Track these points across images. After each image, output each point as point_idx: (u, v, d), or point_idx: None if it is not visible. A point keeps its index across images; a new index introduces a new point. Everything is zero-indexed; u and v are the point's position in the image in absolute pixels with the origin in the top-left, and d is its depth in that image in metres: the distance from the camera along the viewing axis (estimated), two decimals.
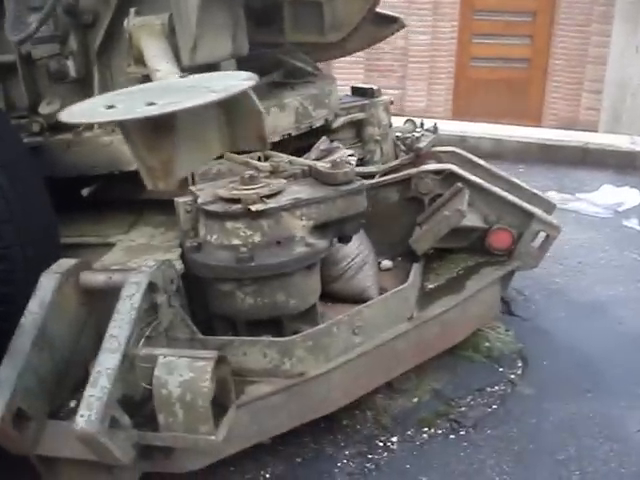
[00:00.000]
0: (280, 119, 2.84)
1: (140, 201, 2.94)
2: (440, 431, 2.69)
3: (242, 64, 2.98)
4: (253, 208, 2.31)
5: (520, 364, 3.09)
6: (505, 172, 3.45)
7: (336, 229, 2.52)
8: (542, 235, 3.03)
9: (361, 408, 2.75)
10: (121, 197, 2.89)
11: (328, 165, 2.51)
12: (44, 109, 2.67)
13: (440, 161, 3.16)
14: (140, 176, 2.66)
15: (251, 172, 2.46)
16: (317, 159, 2.72)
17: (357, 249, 2.86)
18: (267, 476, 2.46)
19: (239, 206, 2.33)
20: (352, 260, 2.83)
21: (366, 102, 3.43)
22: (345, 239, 2.59)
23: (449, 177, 2.96)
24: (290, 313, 2.46)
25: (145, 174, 1.72)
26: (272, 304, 2.41)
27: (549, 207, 3.25)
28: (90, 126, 2.66)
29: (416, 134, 3.26)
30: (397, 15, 3.33)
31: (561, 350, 3.19)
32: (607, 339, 3.28)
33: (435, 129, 3.43)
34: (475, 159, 3.22)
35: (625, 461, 2.53)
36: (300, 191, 2.45)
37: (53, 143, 2.68)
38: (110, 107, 1.49)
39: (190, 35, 2.35)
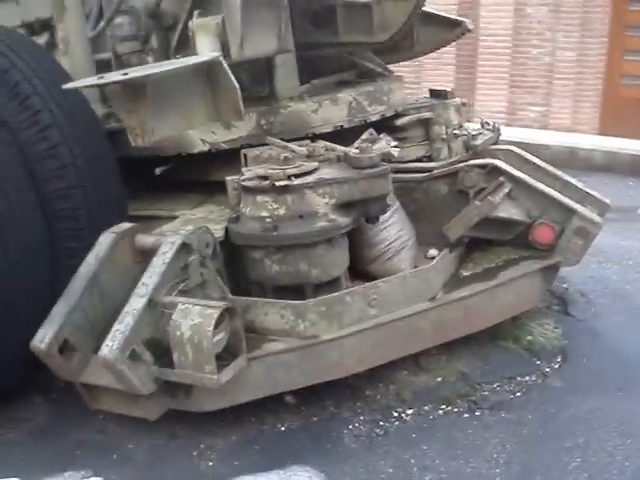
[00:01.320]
0: (332, 112, 3.13)
1: (213, 182, 3.32)
2: (456, 409, 2.81)
3: (311, 63, 3.32)
4: (277, 184, 2.61)
5: (559, 359, 3.12)
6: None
7: (361, 209, 2.75)
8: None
9: (385, 382, 2.93)
10: (193, 178, 3.27)
11: (357, 150, 2.75)
12: None
13: (496, 159, 3.27)
14: (208, 159, 3.06)
15: (286, 154, 2.76)
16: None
17: (396, 234, 3.05)
18: (282, 429, 2.72)
19: (267, 182, 2.64)
20: (390, 244, 3.03)
21: (435, 103, 3.61)
22: (371, 220, 2.81)
23: (493, 171, 3.08)
24: (312, 282, 2.71)
25: (128, 132, 2.07)
26: (295, 272, 2.69)
27: (603, 207, 3.25)
28: None
29: (472, 132, 3.40)
30: (461, 19, 3.50)
31: (606, 350, 3.18)
32: None
33: (495, 128, 3.54)
34: (530, 158, 3.30)
35: (632, 455, 2.51)
36: (328, 173, 2.71)
37: None
38: (100, 78, 1.85)
39: (237, 33, 2.70)
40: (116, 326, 2.40)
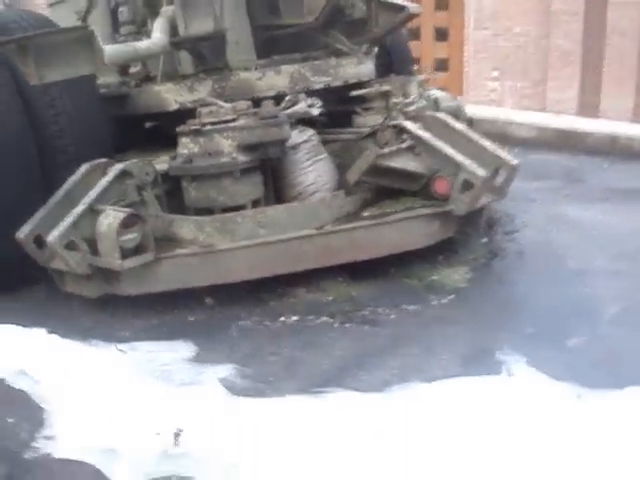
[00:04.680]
0: (275, 80, 3.86)
1: None
2: (332, 321, 3.37)
3: (280, 42, 4.09)
4: (191, 128, 3.42)
5: (451, 297, 3.52)
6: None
7: (261, 151, 3.46)
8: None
9: (287, 296, 3.58)
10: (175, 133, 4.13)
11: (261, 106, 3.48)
12: (132, 70, 4.10)
13: (424, 123, 3.77)
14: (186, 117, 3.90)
15: (211, 108, 3.56)
16: (284, 107, 3.66)
17: (314, 179, 3.70)
18: (191, 319, 3.48)
19: (187, 127, 3.46)
20: (307, 186, 3.68)
21: (397, 77, 4.19)
22: (272, 161, 3.51)
23: (402, 131, 3.62)
24: (220, 207, 3.47)
25: (25, 76, 3.00)
26: (206, 197, 3.47)
27: (511, 170, 3.61)
28: (154, 78, 4.03)
29: (406, 100, 3.92)
30: (404, 4, 4.03)
31: (501, 298, 3.49)
32: (557, 300, 3.40)
33: (429, 98, 4.02)
34: (452, 123, 3.73)
35: (440, 376, 2.79)
36: (237, 122, 3.46)
37: (133, 91, 4.08)
38: None
39: (180, 16, 3.55)
40: (62, 223, 3.34)
